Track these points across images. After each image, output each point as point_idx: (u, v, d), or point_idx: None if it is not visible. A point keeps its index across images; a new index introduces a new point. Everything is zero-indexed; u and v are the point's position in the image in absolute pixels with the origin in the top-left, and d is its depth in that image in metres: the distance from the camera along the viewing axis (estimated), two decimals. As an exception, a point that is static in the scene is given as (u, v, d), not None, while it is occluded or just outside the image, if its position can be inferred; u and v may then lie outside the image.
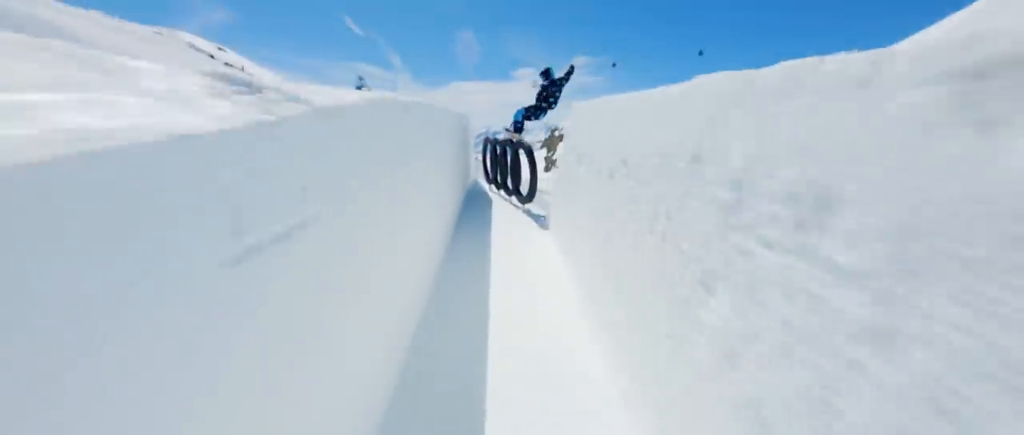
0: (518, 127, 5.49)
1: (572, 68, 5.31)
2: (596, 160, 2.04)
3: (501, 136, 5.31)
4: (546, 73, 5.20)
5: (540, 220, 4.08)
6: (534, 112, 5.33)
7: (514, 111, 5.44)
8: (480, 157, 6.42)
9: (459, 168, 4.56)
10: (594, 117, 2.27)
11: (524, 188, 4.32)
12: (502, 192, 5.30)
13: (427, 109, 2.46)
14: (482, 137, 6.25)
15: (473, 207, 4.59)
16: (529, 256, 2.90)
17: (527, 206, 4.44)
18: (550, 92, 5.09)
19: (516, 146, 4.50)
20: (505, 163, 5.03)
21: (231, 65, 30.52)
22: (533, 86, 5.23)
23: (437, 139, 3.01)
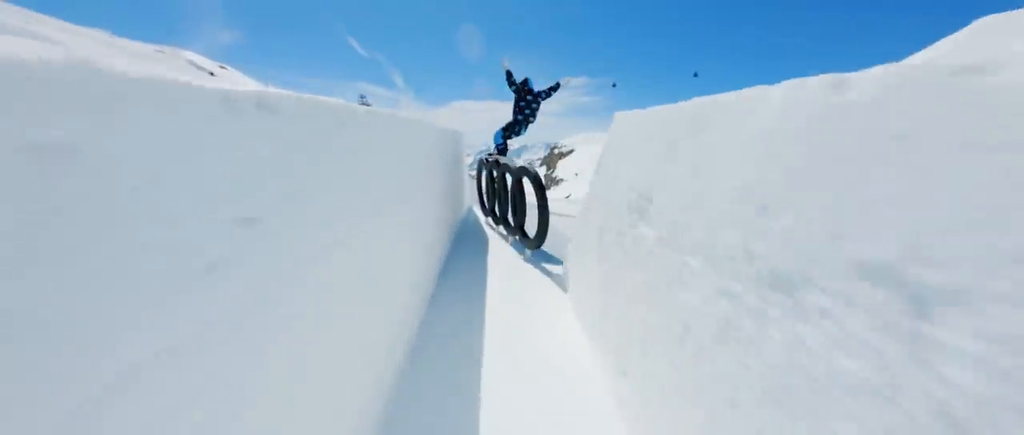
0: (501, 150, 4.71)
1: (557, 85, 4.57)
2: (696, 231, 0.95)
3: (502, 160, 4.40)
4: (524, 83, 4.43)
5: (549, 265, 2.94)
6: (513, 129, 4.53)
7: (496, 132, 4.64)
8: (475, 178, 5.03)
9: (448, 199, 3.44)
10: (672, 140, 1.19)
11: (529, 222, 3.21)
12: (502, 228, 4.04)
13: (386, 123, 1.44)
14: (481, 154, 5.14)
15: (464, 250, 3.41)
16: (543, 354, 1.80)
17: (531, 248, 3.22)
18: (528, 104, 4.35)
19: (519, 173, 3.24)
20: (504, 193, 3.79)
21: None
22: (504, 66, 4.44)
23: (414, 168, 2.01)
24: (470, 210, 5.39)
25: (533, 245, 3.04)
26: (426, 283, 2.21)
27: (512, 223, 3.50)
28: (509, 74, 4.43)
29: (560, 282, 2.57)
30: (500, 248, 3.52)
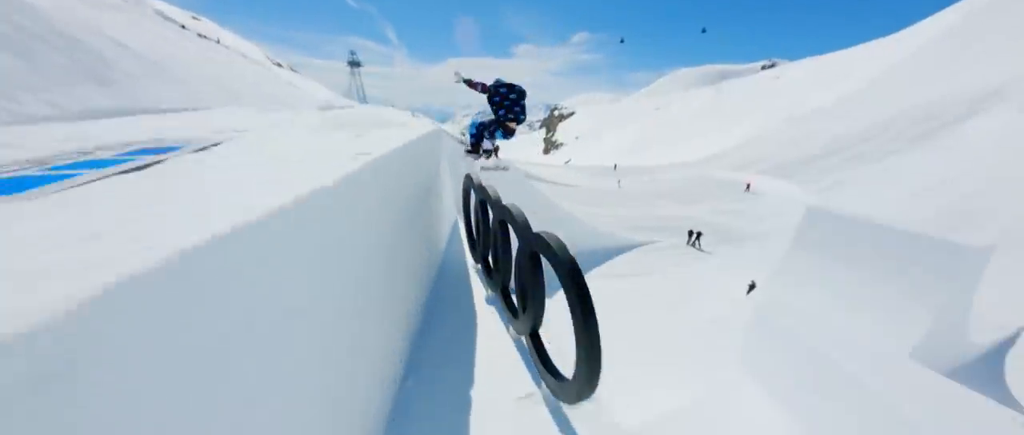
0: (474, 143, 4.09)
1: (514, 86, 3.87)
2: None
3: (483, 163, 3.64)
4: (496, 82, 3.87)
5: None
6: (489, 128, 3.92)
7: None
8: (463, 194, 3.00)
9: (412, 269, 1.90)
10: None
11: (554, 334, 1.63)
12: (498, 291, 2.11)
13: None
14: (479, 115, 4.17)
15: (434, 369, 1.66)
16: None
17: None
18: (504, 96, 3.78)
19: (533, 241, 1.37)
20: (507, 246, 1.91)
21: (205, 36, 27.98)
22: (455, 80, 4.03)
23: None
24: (454, 228, 3.40)
25: (568, 396, 1.34)
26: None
27: (515, 306, 1.81)
28: (469, 82, 3.88)
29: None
30: (498, 363, 1.67)
